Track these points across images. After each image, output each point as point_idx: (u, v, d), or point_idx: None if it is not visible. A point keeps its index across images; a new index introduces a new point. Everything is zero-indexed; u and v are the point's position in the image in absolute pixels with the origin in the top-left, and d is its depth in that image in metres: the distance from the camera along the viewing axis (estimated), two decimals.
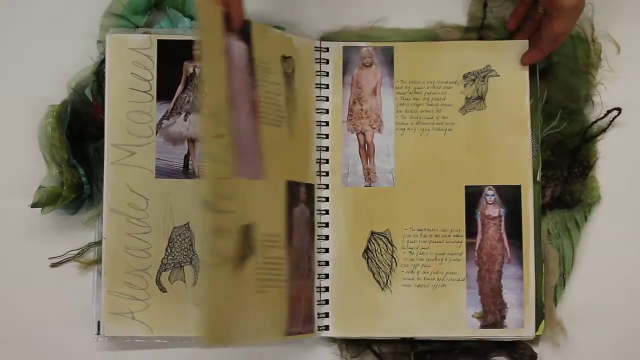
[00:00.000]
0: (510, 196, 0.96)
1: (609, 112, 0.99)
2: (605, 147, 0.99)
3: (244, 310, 0.85)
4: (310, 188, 0.96)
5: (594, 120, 0.99)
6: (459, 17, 1.00)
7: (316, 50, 0.98)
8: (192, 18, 0.98)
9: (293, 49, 0.96)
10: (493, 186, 0.96)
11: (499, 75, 0.98)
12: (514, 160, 0.97)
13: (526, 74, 0.97)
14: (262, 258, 0.88)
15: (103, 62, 0.97)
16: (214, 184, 0.82)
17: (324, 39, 0.99)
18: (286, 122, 0.94)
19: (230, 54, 0.88)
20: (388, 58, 0.98)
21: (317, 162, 0.97)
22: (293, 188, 0.94)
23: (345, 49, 0.99)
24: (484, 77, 0.97)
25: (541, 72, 0.98)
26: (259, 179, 0.89)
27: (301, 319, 0.94)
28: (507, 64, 0.97)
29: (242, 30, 0.89)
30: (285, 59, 0.95)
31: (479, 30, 0.99)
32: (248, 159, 0.88)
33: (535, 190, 0.97)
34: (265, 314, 0.89)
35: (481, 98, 0.97)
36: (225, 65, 0.86)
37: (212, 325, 0.81)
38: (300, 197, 0.95)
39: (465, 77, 0.98)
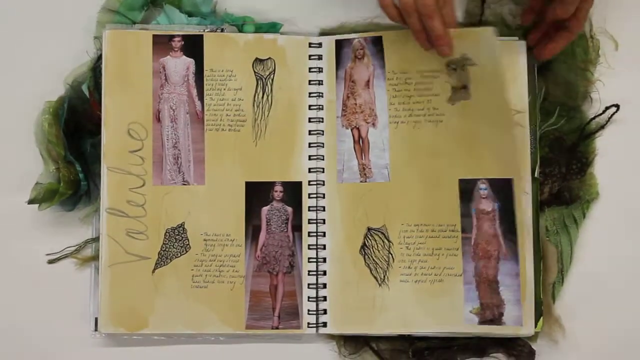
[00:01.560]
0: (502, 190, 0.95)
1: (607, 108, 0.98)
2: (603, 143, 0.99)
3: (174, 302, 0.95)
4: (293, 186, 0.97)
5: (592, 116, 0.99)
6: (456, 13, 1.00)
7: (310, 47, 0.98)
8: (189, 14, 0.98)
9: (275, 49, 0.97)
10: (485, 179, 0.96)
11: (475, 64, 0.94)
12: (504, 152, 0.95)
13: (501, 61, 0.92)
14: (208, 255, 0.96)
15: (99, 57, 0.97)
16: (124, 193, 0.95)
17: (321, 35, 0.99)
18: (250, 125, 0.96)
19: (163, 73, 0.96)
20: (378, 48, 0.98)
21: (313, 159, 0.97)
22: (258, 188, 0.96)
23: (337, 42, 0.98)
24: (462, 65, 0.95)
25: (539, 69, 0.98)
26: (197, 184, 0.96)
27: (275, 313, 0.95)
28: (482, 52, 0.93)
29: (186, 46, 0.96)
30: (260, 61, 0.97)
31: (476, 26, 0.99)
32: (182, 166, 0.95)
33: (533, 187, 0.96)
34: (210, 306, 0.95)
35: (465, 87, 0.96)
36: (151, 85, 0.96)
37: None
38: (273, 195, 0.96)
39: (447, 65, 0.96)
